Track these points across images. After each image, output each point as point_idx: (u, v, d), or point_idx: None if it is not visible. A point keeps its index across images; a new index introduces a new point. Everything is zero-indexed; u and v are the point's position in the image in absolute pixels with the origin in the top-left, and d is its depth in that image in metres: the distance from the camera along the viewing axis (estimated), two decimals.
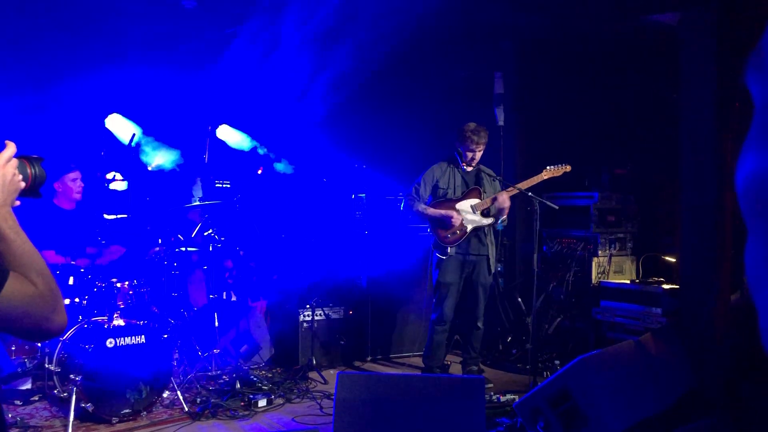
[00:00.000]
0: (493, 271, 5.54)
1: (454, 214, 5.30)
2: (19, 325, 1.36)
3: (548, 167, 5.39)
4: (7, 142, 1.45)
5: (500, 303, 6.52)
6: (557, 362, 5.74)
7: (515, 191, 5.32)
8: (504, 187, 5.46)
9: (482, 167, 5.53)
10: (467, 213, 5.36)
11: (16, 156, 1.46)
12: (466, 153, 5.37)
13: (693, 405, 4.21)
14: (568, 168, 5.41)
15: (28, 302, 1.35)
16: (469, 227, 5.36)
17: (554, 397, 3.80)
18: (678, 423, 3.96)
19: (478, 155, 5.39)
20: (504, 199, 5.24)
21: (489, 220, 5.40)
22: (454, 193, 5.44)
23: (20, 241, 1.40)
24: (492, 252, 5.50)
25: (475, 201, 5.38)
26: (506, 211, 5.30)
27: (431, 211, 5.39)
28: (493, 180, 5.55)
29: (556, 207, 5.31)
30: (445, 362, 5.93)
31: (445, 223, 5.32)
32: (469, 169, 5.49)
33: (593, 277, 6.06)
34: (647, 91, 6.17)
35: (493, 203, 5.30)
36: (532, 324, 5.46)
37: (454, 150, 5.51)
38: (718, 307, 4.60)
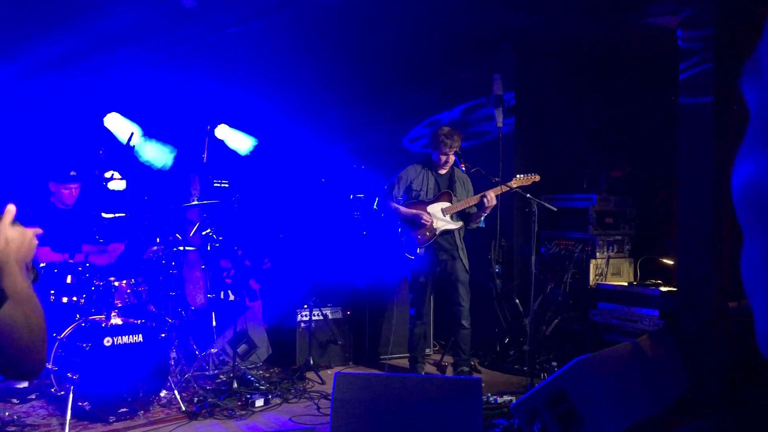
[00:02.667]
0: (467, 268, 5.56)
1: (425, 215, 5.39)
2: (5, 351, 1.35)
3: (518, 176, 5.45)
4: (9, 206, 1.46)
5: (498, 304, 6.53)
6: (554, 364, 5.74)
7: (501, 191, 5.38)
8: (484, 185, 5.49)
9: (455, 169, 5.57)
10: (437, 215, 5.44)
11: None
12: (440, 156, 5.45)
13: (689, 407, 4.22)
14: (537, 178, 5.44)
15: (21, 328, 1.34)
16: (439, 230, 5.45)
17: (551, 399, 3.80)
18: (674, 425, 3.97)
19: (451, 159, 5.47)
20: (492, 198, 5.31)
21: (458, 224, 5.50)
22: (427, 195, 5.53)
23: (28, 306, 1.40)
24: (462, 251, 5.55)
25: (445, 204, 5.48)
26: (489, 210, 5.38)
27: (403, 210, 5.49)
28: (468, 181, 5.62)
29: (555, 209, 5.32)
30: (443, 363, 5.94)
31: (416, 223, 5.41)
32: (443, 172, 5.56)
33: (591, 279, 6.07)
34: (645, 94, 6.18)
35: (482, 200, 5.33)
36: (530, 325, 5.46)
37: (430, 152, 5.58)
38: (714, 309, 4.61)
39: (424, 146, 7.55)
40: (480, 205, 5.38)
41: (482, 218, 5.59)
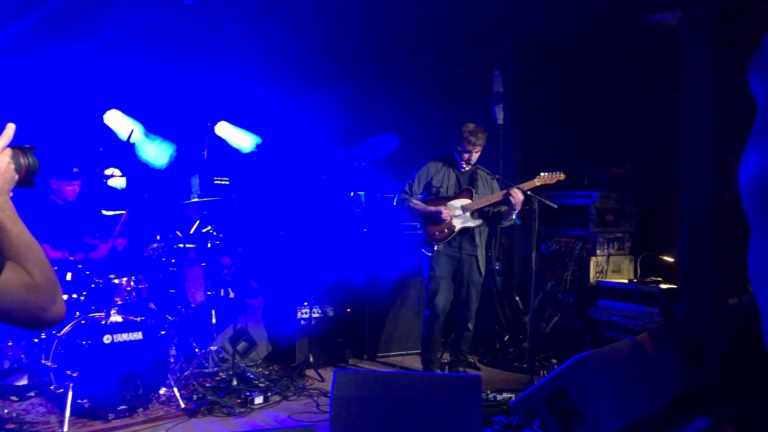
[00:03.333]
0: (483, 271, 5.52)
1: (444, 211, 5.31)
2: (15, 315, 1.34)
3: (542, 174, 5.35)
4: (8, 125, 1.44)
5: (498, 302, 6.52)
6: (554, 361, 5.74)
7: (526, 187, 5.27)
8: (503, 187, 5.43)
9: (479, 167, 5.49)
10: (457, 212, 5.37)
11: (9, 146, 1.46)
12: (463, 153, 5.35)
13: (689, 404, 4.22)
14: (562, 176, 5.34)
15: (25, 292, 1.33)
16: (458, 226, 5.36)
17: (551, 396, 3.80)
18: (674, 422, 3.96)
19: (475, 156, 5.37)
20: (518, 194, 5.13)
21: (478, 222, 5.40)
22: (447, 192, 5.44)
23: (17, 230, 1.38)
24: (481, 253, 5.48)
25: (466, 201, 5.38)
26: (518, 206, 5.21)
27: (421, 206, 5.40)
28: (491, 179, 5.52)
29: (555, 206, 5.31)
30: (443, 361, 5.93)
31: (435, 219, 5.33)
32: (465, 169, 5.47)
33: (591, 276, 6.06)
34: (646, 91, 6.16)
35: (507, 198, 5.20)
36: (530, 323, 5.45)
37: (452, 148, 5.49)
38: (715, 306, 4.61)
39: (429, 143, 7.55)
40: (507, 203, 5.25)
41: (514, 215, 5.41)
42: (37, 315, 1.37)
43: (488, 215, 5.46)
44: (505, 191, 5.23)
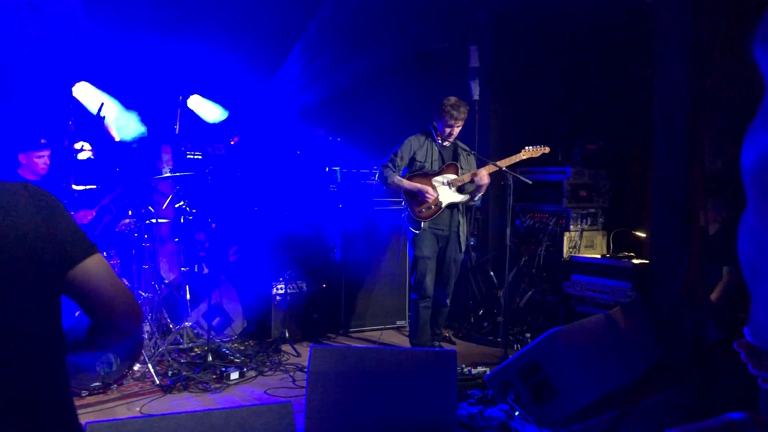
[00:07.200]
0: (464, 248, 5.51)
1: (430, 188, 5.23)
2: (98, 306, 1.29)
3: (527, 147, 5.32)
4: None
5: (472, 276, 6.57)
6: (528, 335, 5.81)
7: (494, 168, 5.27)
8: (480, 164, 5.42)
9: (458, 142, 5.46)
10: (443, 188, 5.31)
11: None
12: (444, 128, 5.25)
13: (660, 377, 4.30)
14: (547, 149, 5.33)
15: (114, 282, 1.29)
16: (444, 202, 5.29)
17: (525, 370, 3.85)
18: (645, 395, 4.04)
19: (456, 131, 5.28)
20: (483, 176, 5.20)
21: (464, 197, 5.34)
22: (431, 167, 5.34)
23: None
24: (464, 229, 5.47)
25: (451, 176, 5.31)
26: (485, 188, 5.26)
27: (407, 183, 5.28)
28: (468, 155, 5.49)
29: (529, 182, 5.33)
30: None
31: (421, 196, 5.24)
32: (447, 144, 5.41)
33: (564, 251, 6.12)
34: (621, 67, 6.18)
35: (472, 180, 5.25)
36: (504, 297, 5.50)
37: (429, 123, 5.43)
38: (686, 281, 4.68)
39: (404, 118, 7.52)
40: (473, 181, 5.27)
41: (477, 197, 5.46)
42: (126, 308, 1.32)
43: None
44: (491, 164, 5.23)
